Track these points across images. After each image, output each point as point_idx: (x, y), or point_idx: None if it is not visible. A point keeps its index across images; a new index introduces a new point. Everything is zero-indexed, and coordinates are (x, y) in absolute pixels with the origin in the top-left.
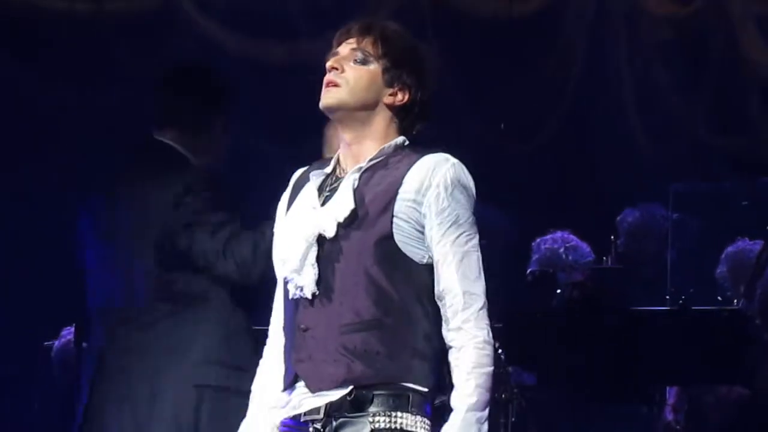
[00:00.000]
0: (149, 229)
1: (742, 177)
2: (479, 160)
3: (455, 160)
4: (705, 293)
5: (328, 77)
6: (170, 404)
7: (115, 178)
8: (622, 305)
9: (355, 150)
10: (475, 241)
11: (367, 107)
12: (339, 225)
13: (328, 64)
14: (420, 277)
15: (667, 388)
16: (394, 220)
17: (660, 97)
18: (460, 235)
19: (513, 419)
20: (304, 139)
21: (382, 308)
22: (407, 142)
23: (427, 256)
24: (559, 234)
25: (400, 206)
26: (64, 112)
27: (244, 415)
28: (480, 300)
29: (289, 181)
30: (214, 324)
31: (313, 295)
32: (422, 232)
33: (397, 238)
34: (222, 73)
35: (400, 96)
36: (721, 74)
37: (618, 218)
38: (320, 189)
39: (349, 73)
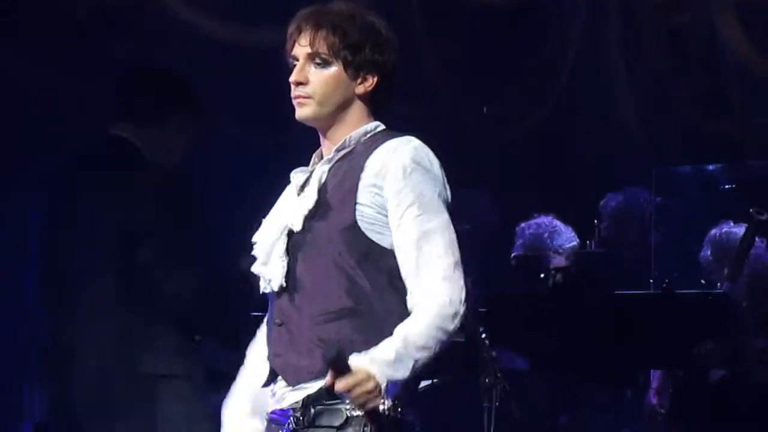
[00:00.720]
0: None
1: (724, 160)
2: (463, 144)
3: (417, 142)
4: (689, 276)
5: (296, 93)
6: None
7: (72, 174)
8: (605, 289)
9: (332, 143)
10: (438, 221)
11: (341, 107)
12: (305, 217)
13: (292, 79)
14: (392, 263)
15: (651, 372)
16: (358, 207)
17: (643, 82)
18: (418, 216)
19: (497, 403)
20: (296, 128)
21: (353, 297)
22: (380, 127)
23: None
24: (543, 218)
25: (363, 192)
26: (54, 101)
27: None
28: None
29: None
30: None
31: (283, 288)
32: (387, 216)
33: (362, 225)
34: (184, 76)
35: (369, 81)
36: (704, 59)
37: (601, 202)
38: (302, 186)
39: (314, 82)
